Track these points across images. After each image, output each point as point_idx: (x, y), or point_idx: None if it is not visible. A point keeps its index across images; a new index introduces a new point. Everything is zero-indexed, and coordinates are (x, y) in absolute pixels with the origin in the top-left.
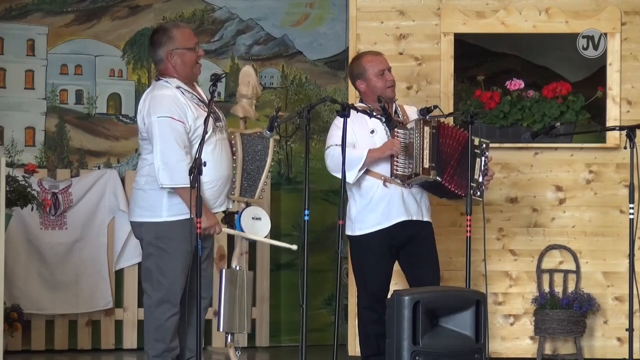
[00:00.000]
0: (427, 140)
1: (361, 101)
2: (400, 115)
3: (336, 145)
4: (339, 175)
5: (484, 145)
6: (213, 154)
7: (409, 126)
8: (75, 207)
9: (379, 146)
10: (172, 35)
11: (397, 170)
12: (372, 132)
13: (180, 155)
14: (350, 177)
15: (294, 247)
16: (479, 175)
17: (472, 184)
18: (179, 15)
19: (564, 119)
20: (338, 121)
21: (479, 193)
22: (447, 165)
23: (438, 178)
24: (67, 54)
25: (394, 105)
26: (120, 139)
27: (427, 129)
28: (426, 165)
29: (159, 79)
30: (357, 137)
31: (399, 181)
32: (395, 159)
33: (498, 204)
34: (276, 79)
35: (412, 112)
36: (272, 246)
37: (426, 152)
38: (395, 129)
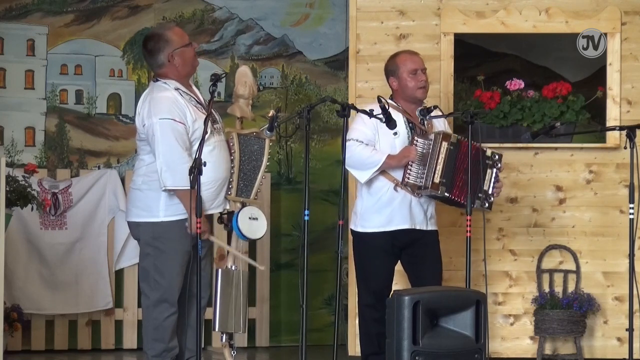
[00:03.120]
0: (442, 156)
1: (391, 99)
2: (424, 123)
3: (357, 140)
4: (353, 172)
5: (497, 157)
6: (212, 156)
7: (430, 136)
8: (75, 207)
9: (398, 149)
10: (168, 38)
11: (408, 178)
12: (395, 134)
13: (184, 157)
14: (362, 178)
15: (262, 267)
16: (489, 187)
17: (479, 194)
18: (179, 15)
19: (564, 119)
20: (364, 115)
21: (487, 204)
22: (458, 181)
23: (446, 194)
24: (67, 54)
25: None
26: (120, 139)
27: (445, 144)
28: (437, 180)
29: (157, 80)
30: (380, 137)
31: (409, 189)
32: (409, 166)
33: (498, 204)
34: (276, 79)
35: (439, 122)
36: (271, 246)
37: (439, 167)
38: (415, 137)
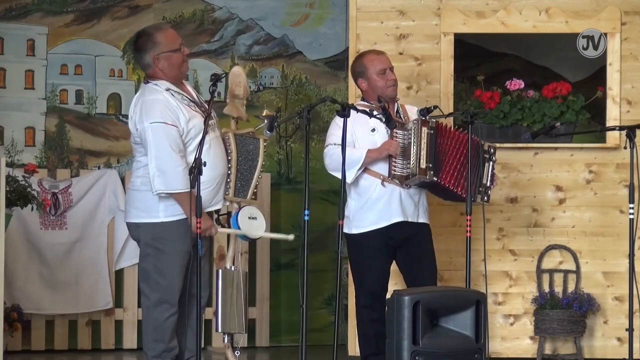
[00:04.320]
0: (424, 141)
1: (363, 99)
2: (401, 116)
3: (335, 144)
4: (338, 175)
5: (492, 150)
6: (208, 154)
7: (408, 127)
8: (75, 207)
9: (379, 145)
10: (156, 40)
11: (394, 170)
12: (373, 130)
13: (176, 161)
14: (349, 177)
15: (291, 237)
16: (487, 180)
17: (480, 188)
18: (179, 15)
19: (564, 119)
20: (338, 120)
21: (485, 198)
22: (445, 166)
23: (435, 178)
24: (67, 54)
25: (395, 104)
26: (120, 139)
27: (424, 129)
28: (423, 165)
29: (148, 82)
30: (357, 136)
31: (397, 181)
32: (393, 159)
33: (498, 204)
34: (276, 79)
35: (413, 112)
36: (271, 246)
37: (423, 152)
38: (394, 130)
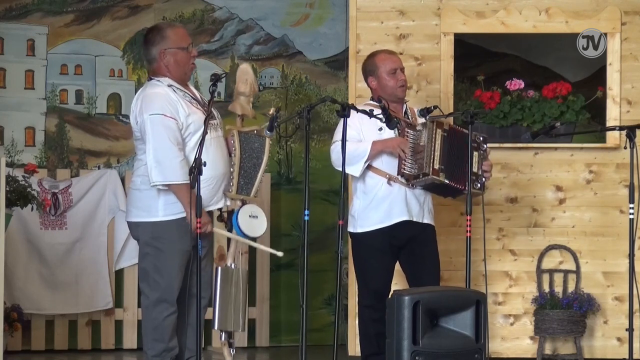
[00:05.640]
0: (438, 143)
1: (372, 99)
2: (409, 117)
3: (340, 141)
4: (346, 170)
5: (481, 139)
6: (208, 152)
7: (417, 127)
8: (75, 207)
9: None
10: (165, 35)
11: (404, 169)
12: (380, 129)
13: (174, 152)
14: (356, 171)
15: (280, 254)
16: (478, 168)
17: (471, 177)
18: (179, 15)
19: (564, 119)
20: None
21: (479, 185)
22: (453, 168)
23: (446, 180)
24: (67, 54)
25: (404, 106)
26: (120, 139)
27: (439, 131)
28: (436, 166)
29: (151, 79)
30: (365, 135)
31: (403, 180)
32: (403, 158)
33: (498, 204)
34: (276, 79)
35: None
36: (272, 245)
37: (437, 153)
38: (406, 129)
